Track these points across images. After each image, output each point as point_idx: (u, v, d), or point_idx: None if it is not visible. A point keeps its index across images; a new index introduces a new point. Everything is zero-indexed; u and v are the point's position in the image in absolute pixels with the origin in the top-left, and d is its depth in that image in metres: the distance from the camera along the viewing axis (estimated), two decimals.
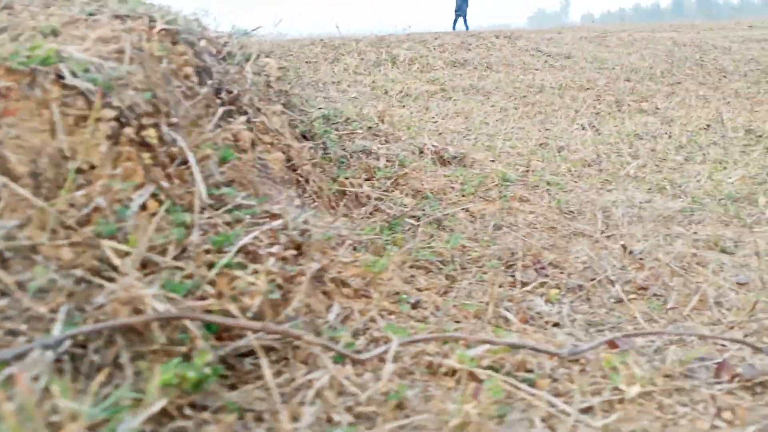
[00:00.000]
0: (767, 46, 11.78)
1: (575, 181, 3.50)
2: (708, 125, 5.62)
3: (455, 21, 22.34)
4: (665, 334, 1.50)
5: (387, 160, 3.01)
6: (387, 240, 2.13)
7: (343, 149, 2.95)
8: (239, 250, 1.32)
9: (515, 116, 5.45)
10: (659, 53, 11.25)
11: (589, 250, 2.41)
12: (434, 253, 2.20)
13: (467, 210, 2.80)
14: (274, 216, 1.52)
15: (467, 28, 21.74)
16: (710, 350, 1.58)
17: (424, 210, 2.61)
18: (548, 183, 3.31)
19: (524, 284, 2.13)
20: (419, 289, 1.90)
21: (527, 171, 3.54)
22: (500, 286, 2.05)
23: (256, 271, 1.27)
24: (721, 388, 1.37)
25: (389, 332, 1.20)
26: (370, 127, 3.51)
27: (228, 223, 1.41)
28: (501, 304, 1.86)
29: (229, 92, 2.04)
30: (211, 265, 1.24)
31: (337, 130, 3.12)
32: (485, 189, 3.11)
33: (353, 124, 3.28)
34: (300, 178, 2.16)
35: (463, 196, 2.94)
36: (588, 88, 7.87)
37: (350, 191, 2.58)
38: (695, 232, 2.67)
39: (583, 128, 5.26)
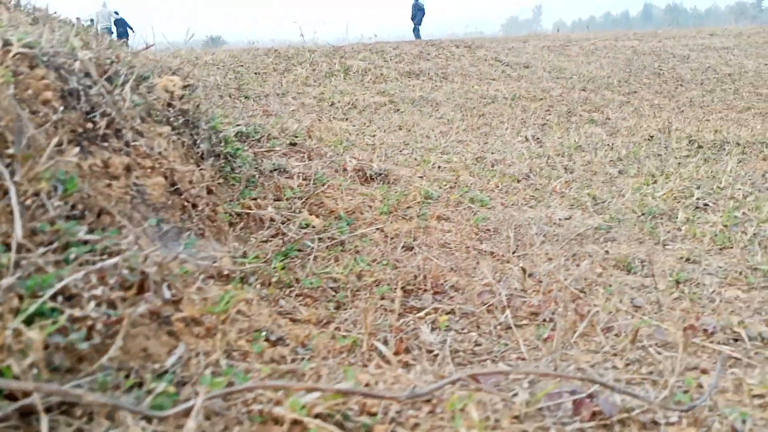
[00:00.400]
0: (725, 54, 12.00)
1: (502, 197, 3.46)
2: (651, 136, 5.67)
3: (415, 29, 22.42)
4: (500, 373, 1.45)
5: (303, 179, 2.94)
6: (275, 268, 2.06)
7: (257, 168, 2.88)
8: (59, 294, 1.23)
9: (460, 128, 5.43)
10: (618, 62, 11.40)
11: (493, 273, 2.36)
12: (328, 278, 2.14)
13: (381, 230, 2.75)
14: (118, 252, 1.43)
15: (419, 36, 21.84)
16: (584, 383, 1.54)
17: (331, 232, 2.55)
18: (472, 200, 3.27)
19: (419, 310, 2.08)
20: (297, 321, 1.83)
21: (454, 187, 3.51)
22: (391, 312, 1.99)
23: (76, 317, 1.19)
24: (577, 427, 1.33)
25: (203, 384, 1.13)
26: (294, 144, 3.44)
27: (57, 263, 1.32)
28: (381, 334, 1.81)
29: (105, 115, 1.95)
30: (17, 312, 1.15)
31: (252, 147, 3.04)
32: (406, 207, 3.05)
33: (273, 141, 3.21)
34: (186, 203, 2.08)
35: (380, 214, 2.88)
36: (541, 99, 7.91)
37: (254, 213, 2.51)
38: (607, 251, 2.65)
39: (526, 140, 5.26)
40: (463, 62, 10.02)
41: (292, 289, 2.01)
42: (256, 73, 6.91)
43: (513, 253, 2.62)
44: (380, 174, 3.31)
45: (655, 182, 3.88)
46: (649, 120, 7.04)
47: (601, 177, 4.00)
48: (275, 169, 2.91)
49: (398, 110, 5.99)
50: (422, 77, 8.35)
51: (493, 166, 4.10)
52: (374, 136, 4.65)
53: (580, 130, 6.19)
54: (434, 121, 5.61)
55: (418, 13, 22.17)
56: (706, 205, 3.25)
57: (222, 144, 2.71)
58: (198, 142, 2.55)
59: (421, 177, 3.59)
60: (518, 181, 3.82)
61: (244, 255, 2.14)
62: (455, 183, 3.59)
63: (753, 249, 2.61)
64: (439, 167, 3.97)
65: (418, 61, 9.67)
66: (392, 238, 2.69)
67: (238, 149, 2.85)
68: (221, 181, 2.56)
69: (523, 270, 2.25)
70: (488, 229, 2.92)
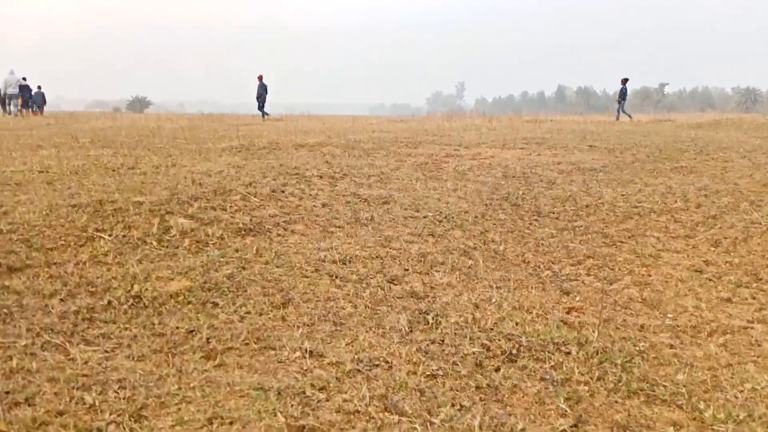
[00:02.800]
0: (590, 178, 11.02)
1: None
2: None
3: (260, 108, 21.79)
4: None
5: None
6: None
7: None
8: None
9: (194, 350, 4.39)
10: (484, 189, 10.36)
11: None
12: None
13: None
14: None
15: (265, 115, 21.48)
16: None
17: None
18: None
19: None
20: None
21: None
22: None
23: None
24: None
25: None
26: None
27: None
28: None
29: None
30: None
31: None
32: None
33: None
34: None
35: None
36: (376, 257, 6.66)
37: None
38: None
39: (304, 356, 4.17)
40: (316, 202, 9.16)
41: None
42: (50, 249, 5.82)
43: None
44: None
45: None
46: (469, 289, 5.67)
47: None
48: None
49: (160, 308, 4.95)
50: (256, 233, 7.45)
51: None
52: None
53: (382, 320, 5.06)
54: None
55: (263, 93, 21.79)
56: None
57: None
58: None
59: None
60: None
61: None
62: None
63: None
64: None
65: (268, 203, 8.80)
66: None
67: None
68: None
69: None
70: None
